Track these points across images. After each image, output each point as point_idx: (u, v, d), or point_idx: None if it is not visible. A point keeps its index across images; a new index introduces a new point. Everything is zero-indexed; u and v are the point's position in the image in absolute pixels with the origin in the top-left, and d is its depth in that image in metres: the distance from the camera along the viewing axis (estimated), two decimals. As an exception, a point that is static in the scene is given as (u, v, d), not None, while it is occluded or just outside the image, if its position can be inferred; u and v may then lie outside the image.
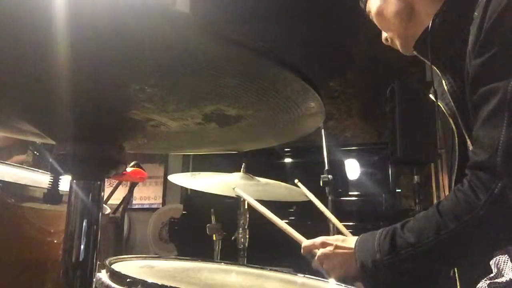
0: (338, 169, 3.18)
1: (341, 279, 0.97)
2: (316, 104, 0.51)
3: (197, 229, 1.92)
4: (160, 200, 4.67)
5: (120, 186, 2.60)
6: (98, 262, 0.58)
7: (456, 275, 1.11)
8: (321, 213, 1.38)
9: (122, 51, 0.40)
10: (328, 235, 1.35)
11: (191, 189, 2.18)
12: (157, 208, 4.59)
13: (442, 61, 1.03)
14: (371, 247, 0.94)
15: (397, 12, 1.05)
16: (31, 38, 0.39)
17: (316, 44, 4.02)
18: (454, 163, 1.10)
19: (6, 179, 0.94)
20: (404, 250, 0.89)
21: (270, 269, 1.07)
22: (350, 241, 1.01)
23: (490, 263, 1.16)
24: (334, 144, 3.44)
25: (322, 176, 1.82)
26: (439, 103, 1.09)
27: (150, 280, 0.68)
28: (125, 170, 1.18)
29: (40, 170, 1.29)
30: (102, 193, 0.58)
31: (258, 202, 1.26)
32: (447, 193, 0.97)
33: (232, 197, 1.54)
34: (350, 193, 3.30)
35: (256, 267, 1.09)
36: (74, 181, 0.56)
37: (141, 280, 0.67)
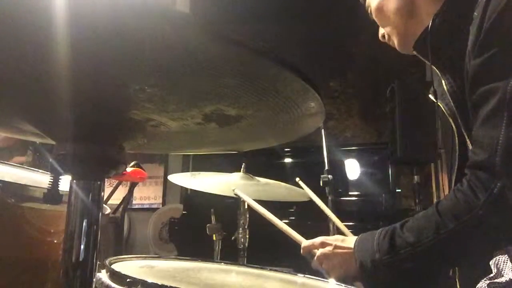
0: (338, 169, 3.18)
1: (340, 279, 0.97)
2: (316, 104, 0.51)
3: (197, 229, 1.92)
4: (160, 200, 4.67)
5: (120, 186, 2.60)
6: (98, 262, 0.58)
7: (456, 275, 1.11)
8: (321, 213, 1.38)
9: (122, 51, 0.40)
10: (328, 235, 1.35)
11: (191, 189, 2.17)
12: (157, 208, 4.58)
13: (442, 61, 1.03)
14: (371, 246, 0.94)
15: (398, 8, 1.04)
16: (31, 38, 0.39)
17: (316, 44, 4.02)
18: (454, 163, 1.10)
19: (6, 179, 0.94)
20: (404, 249, 0.89)
21: (270, 269, 1.07)
22: (349, 241, 1.01)
23: (490, 263, 1.16)
24: (334, 144, 3.44)
25: (322, 176, 1.81)
26: (439, 103, 1.08)
27: (150, 280, 0.68)
28: (125, 170, 1.18)
29: (40, 170, 1.29)
30: (102, 193, 0.58)
31: (258, 202, 1.26)
32: (447, 193, 0.97)
33: (232, 197, 1.54)
34: (350, 193, 3.30)
35: (256, 267, 1.09)
36: (74, 181, 0.56)
37: (141, 280, 0.67)
